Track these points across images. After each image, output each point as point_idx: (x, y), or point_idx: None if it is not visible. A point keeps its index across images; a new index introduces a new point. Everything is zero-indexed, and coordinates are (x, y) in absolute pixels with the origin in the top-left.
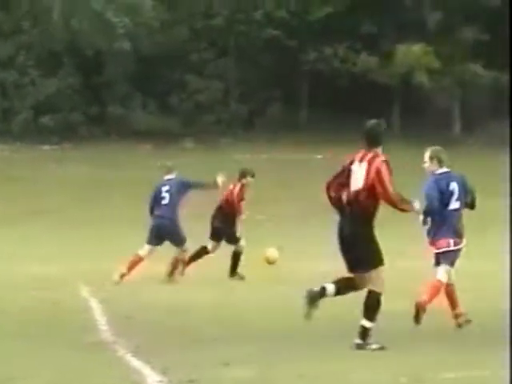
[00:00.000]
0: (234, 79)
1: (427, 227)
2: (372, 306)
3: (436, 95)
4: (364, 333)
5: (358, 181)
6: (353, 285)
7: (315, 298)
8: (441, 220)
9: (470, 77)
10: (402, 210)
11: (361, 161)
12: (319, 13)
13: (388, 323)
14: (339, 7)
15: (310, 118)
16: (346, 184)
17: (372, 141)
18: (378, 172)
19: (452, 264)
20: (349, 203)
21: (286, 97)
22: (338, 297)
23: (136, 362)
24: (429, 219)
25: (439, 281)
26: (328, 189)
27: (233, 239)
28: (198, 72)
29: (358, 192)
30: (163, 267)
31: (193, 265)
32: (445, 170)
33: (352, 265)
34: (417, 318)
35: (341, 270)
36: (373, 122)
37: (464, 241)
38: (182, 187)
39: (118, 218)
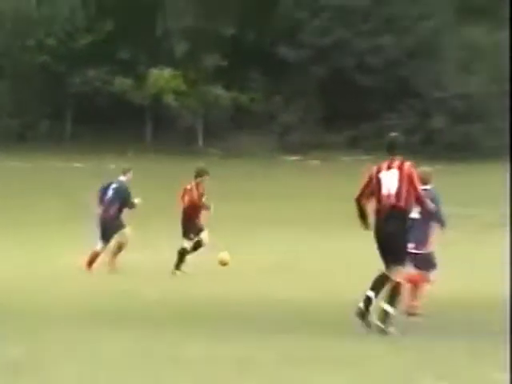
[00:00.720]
0: (9, 98)
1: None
2: (397, 295)
3: (183, 113)
4: (386, 316)
5: (391, 186)
6: (384, 280)
7: (362, 313)
8: None
9: (212, 97)
10: (425, 210)
11: (389, 168)
12: (83, 40)
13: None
14: (100, 36)
15: (74, 132)
16: (377, 191)
17: (394, 150)
18: (411, 176)
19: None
20: (391, 206)
21: (54, 114)
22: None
23: None
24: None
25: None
26: (359, 200)
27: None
28: None
29: (395, 195)
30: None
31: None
32: None
33: (392, 259)
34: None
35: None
36: (393, 134)
37: None
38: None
39: None
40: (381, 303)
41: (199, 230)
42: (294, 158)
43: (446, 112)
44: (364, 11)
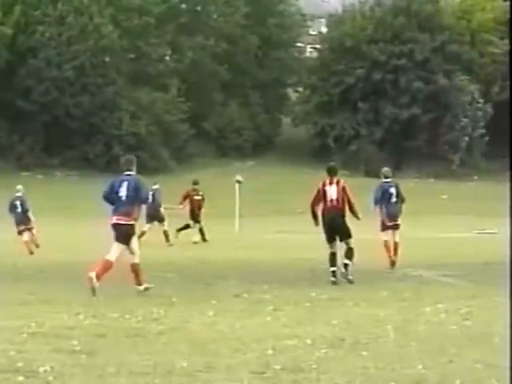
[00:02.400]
0: None
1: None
2: (352, 253)
3: None
4: (347, 267)
5: (333, 194)
6: (348, 252)
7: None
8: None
9: None
10: (354, 212)
11: (330, 184)
12: None
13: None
14: None
15: None
16: (323, 198)
17: (333, 172)
18: (345, 189)
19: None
20: (332, 207)
21: None
22: None
23: None
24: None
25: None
26: (312, 205)
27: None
28: None
29: (336, 200)
30: None
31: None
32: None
33: (344, 237)
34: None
35: None
36: (332, 163)
37: None
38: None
39: None
40: (344, 260)
41: None
42: (26, 173)
43: (122, 144)
44: (69, 80)
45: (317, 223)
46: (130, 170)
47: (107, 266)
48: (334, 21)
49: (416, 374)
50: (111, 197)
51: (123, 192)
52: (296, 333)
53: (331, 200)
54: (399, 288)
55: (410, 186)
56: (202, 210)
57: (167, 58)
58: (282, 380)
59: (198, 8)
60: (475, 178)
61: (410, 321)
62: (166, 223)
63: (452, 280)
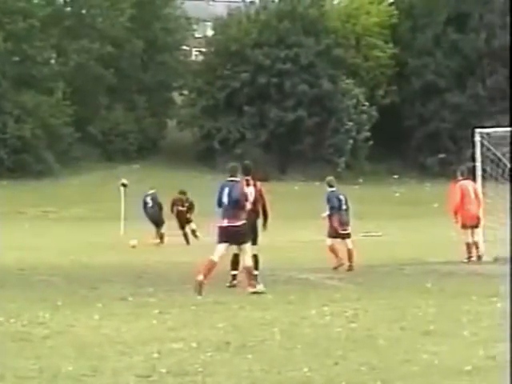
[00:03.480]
0: None
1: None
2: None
3: None
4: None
5: (250, 196)
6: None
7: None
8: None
9: None
10: (266, 215)
11: (247, 186)
12: None
13: None
14: None
15: None
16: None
17: (248, 172)
18: (261, 191)
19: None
20: (250, 209)
21: None
22: None
23: None
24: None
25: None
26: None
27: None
28: None
29: (253, 202)
30: None
31: None
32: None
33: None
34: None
35: None
36: (247, 161)
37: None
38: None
39: None
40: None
41: None
42: None
43: (7, 147)
44: None
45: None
46: (233, 176)
47: (211, 267)
48: (219, 24)
49: (301, 376)
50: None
51: (226, 198)
52: (181, 336)
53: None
54: (285, 291)
55: (295, 188)
56: (189, 217)
57: (52, 61)
58: (168, 383)
59: (83, 11)
60: (360, 180)
61: (295, 323)
62: (164, 226)
63: (338, 283)
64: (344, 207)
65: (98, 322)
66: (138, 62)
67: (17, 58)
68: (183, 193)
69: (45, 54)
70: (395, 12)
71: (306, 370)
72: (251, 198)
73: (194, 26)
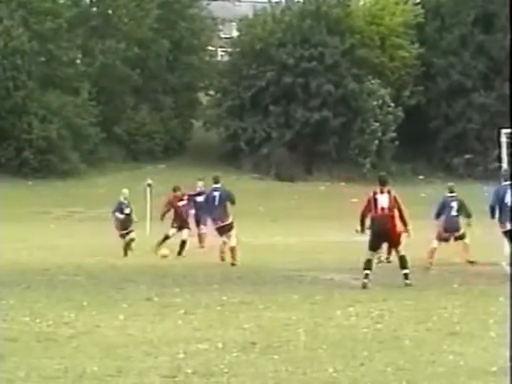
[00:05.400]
0: None
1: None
2: (406, 261)
3: None
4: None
5: (384, 203)
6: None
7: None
8: None
9: None
10: (404, 222)
11: (382, 193)
12: None
13: None
14: None
15: None
16: (374, 207)
17: (385, 183)
18: (396, 199)
19: None
20: (383, 215)
21: None
22: None
23: None
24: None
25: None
26: (363, 214)
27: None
28: None
29: (387, 208)
30: None
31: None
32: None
33: (392, 244)
34: None
35: None
36: (383, 173)
37: None
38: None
39: None
40: (401, 271)
41: None
42: None
43: (33, 148)
44: None
45: (363, 230)
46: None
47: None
48: (244, 24)
49: (327, 377)
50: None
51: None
52: (207, 336)
53: (382, 208)
54: (310, 291)
55: (321, 189)
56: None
57: (78, 61)
58: None
59: (109, 11)
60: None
61: (321, 324)
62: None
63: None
64: (454, 213)
65: (123, 322)
66: (163, 63)
67: (43, 59)
68: (176, 189)
69: (71, 55)
70: (421, 11)
71: (331, 370)
72: (386, 204)
73: (220, 27)
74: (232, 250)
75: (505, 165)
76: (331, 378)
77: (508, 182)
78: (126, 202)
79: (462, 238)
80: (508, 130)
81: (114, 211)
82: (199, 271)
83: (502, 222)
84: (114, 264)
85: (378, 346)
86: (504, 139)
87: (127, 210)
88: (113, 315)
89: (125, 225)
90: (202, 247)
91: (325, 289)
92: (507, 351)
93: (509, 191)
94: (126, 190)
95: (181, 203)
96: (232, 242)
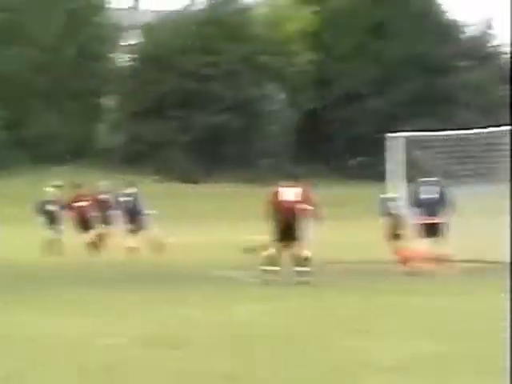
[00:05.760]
0: None
1: None
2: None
3: None
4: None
5: (289, 196)
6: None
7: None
8: None
9: None
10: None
11: (287, 187)
12: None
13: None
14: None
15: None
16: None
17: (292, 178)
18: (304, 192)
19: None
20: (288, 208)
21: None
22: None
23: None
24: None
25: None
26: (269, 209)
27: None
28: None
29: (292, 201)
30: None
31: None
32: None
33: (295, 238)
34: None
35: None
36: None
37: None
38: None
39: None
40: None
41: None
42: None
43: None
44: None
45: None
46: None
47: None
48: (147, 31)
49: (226, 372)
50: None
51: None
52: (111, 332)
53: (287, 201)
54: (211, 289)
55: (223, 190)
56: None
57: None
58: None
59: (14, 17)
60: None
61: (221, 321)
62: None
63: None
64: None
65: (26, 318)
66: (68, 69)
67: None
68: (79, 186)
69: None
70: (318, 20)
71: (229, 366)
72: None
73: (123, 33)
74: (132, 249)
75: (390, 166)
76: (231, 373)
77: (424, 179)
78: (51, 199)
79: None
80: (393, 134)
81: (37, 210)
82: (103, 269)
83: (421, 215)
84: (14, 263)
85: (276, 341)
86: (390, 142)
87: (52, 207)
88: (17, 312)
89: (53, 221)
90: (101, 246)
91: (225, 286)
92: (407, 347)
93: (422, 188)
94: (50, 189)
95: (82, 204)
96: (132, 242)
